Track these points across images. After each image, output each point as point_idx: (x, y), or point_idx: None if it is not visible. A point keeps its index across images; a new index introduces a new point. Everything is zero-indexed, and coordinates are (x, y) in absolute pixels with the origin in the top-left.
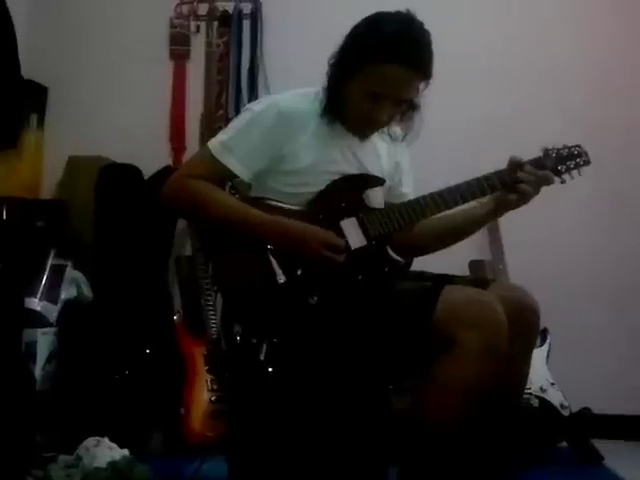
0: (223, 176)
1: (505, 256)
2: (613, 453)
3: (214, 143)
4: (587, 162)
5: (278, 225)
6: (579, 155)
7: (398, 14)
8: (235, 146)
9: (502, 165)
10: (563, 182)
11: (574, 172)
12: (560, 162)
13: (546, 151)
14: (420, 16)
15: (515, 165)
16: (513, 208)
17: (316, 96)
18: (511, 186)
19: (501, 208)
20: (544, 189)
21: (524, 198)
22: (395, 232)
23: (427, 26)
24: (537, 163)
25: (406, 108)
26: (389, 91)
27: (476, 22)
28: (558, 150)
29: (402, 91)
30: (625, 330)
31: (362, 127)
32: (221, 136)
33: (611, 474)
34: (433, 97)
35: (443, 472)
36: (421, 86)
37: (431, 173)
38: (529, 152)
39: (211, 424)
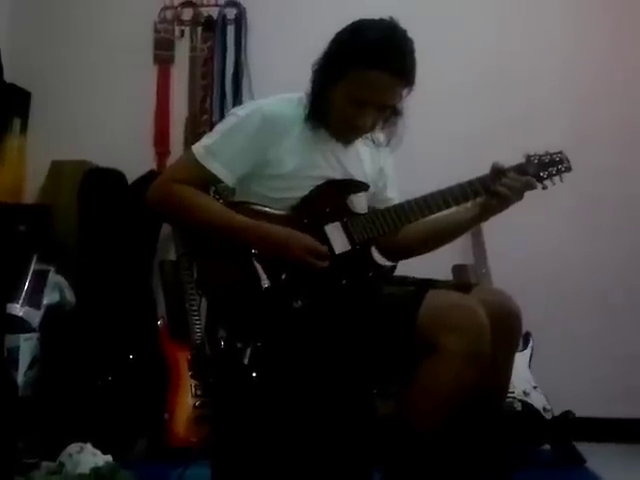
0: (207, 180)
1: (488, 260)
2: (595, 455)
3: (198, 147)
4: (568, 168)
5: (262, 230)
6: (561, 161)
7: (381, 21)
8: (219, 151)
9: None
10: (545, 188)
11: (556, 178)
12: (542, 168)
13: (528, 157)
14: (414, 22)
15: (498, 171)
16: (496, 213)
17: (300, 101)
18: (494, 192)
19: (484, 213)
20: (527, 194)
21: (505, 202)
22: (379, 237)
23: (421, 33)
24: (519, 169)
25: (389, 114)
26: (373, 97)
27: (471, 28)
28: (540, 156)
29: (386, 97)
30: (607, 333)
31: (346, 133)
32: (205, 140)
33: (593, 476)
34: (423, 105)
35: (427, 476)
36: (404, 92)
37: (421, 180)
38: (516, 158)
39: (195, 429)
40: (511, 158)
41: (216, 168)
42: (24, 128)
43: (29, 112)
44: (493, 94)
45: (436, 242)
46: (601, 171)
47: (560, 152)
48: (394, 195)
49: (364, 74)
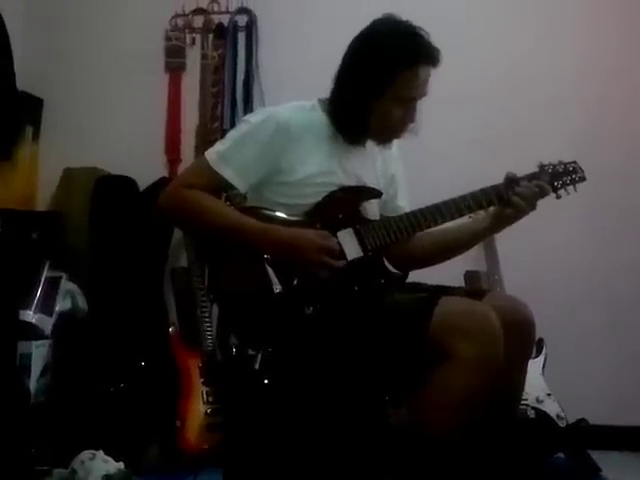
0: (219, 187)
1: (500, 267)
2: (610, 464)
3: (211, 153)
4: (582, 178)
5: (274, 233)
6: (575, 171)
7: (390, 20)
8: (232, 157)
9: (501, 181)
10: (559, 197)
11: (569, 188)
12: (556, 178)
13: (542, 167)
14: (427, 26)
15: (511, 180)
16: (510, 223)
17: (313, 108)
18: (507, 201)
19: (498, 224)
20: (541, 202)
21: (519, 212)
22: (392, 244)
23: (434, 37)
24: (533, 178)
25: None
26: (419, 92)
27: (477, 38)
28: (554, 166)
29: (426, 88)
30: (621, 341)
31: (392, 134)
32: (218, 146)
33: None
34: (433, 112)
35: None
36: None
37: (430, 188)
38: (528, 168)
39: (207, 436)
40: (523, 163)
41: (228, 174)
42: (36, 136)
43: (41, 120)
44: (505, 99)
45: (448, 253)
46: (613, 176)
47: (574, 162)
48: (404, 204)
49: (412, 72)
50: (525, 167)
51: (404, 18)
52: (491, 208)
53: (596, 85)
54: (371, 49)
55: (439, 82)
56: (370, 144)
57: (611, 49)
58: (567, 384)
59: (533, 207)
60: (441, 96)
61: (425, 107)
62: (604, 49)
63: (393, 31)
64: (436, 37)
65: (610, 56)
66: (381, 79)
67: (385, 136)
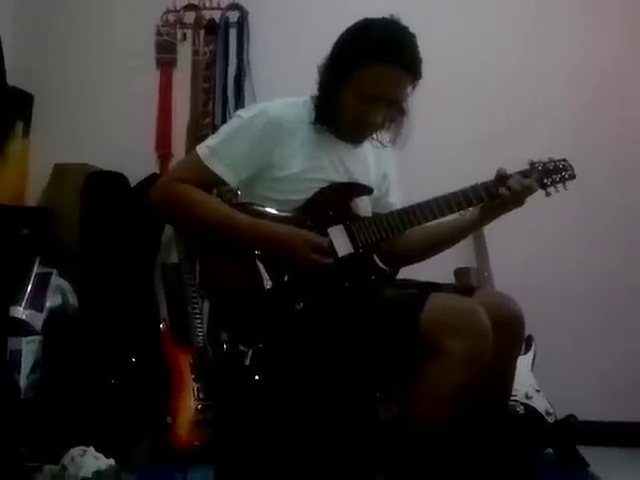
0: (210, 181)
1: (490, 263)
2: (599, 460)
3: (202, 148)
4: (572, 176)
5: (264, 228)
6: (565, 169)
7: (384, 19)
8: (223, 152)
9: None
10: (548, 195)
11: (559, 185)
12: (546, 175)
13: (532, 164)
14: (416, 28)
15: (502, 177)
16: (496, 216)
17: (305, 104)
18: (496, 194)
19: (484, 217)
20: (530, 199)
21: (505, 205)
22: (382, 240)
23: (423, 39)
24: (523, 175)
25: (395, 113)
26: (382, 92)
27: (472, 35)
28: (544, 163)
29: (395, 92)
30: (611, 338)
31: (356, 132)
32: (209, 141)
33: None
34: (426, 110)
35: (429, 478)
36: (409, 89)
37: (423, 186)
38: (520, 167)
39: (198, 432)
40: (515, 162)
41: (219, 169)
42: (27, 131)
43: (32, 115)
44: (498, 100)
45: (438, 247)
46: (604, 175)
47: (564, 159)
48: (395, 201)
49: (373, 69)
50: (518, 167)
51: (397, 19)
52: None
53: (589, 87)
54: (341, 41)
55: (433, 83)
56: (366, 143)
57: (604, 51)
58: (556, 380)
59: (520, 202)
60: (434, 97)
61: (418, 108)
62: (597, 51)
63: (367, 27)
64: (430, 39)
65: (603, 58)
66: (343, 67)
67: (353, 132)
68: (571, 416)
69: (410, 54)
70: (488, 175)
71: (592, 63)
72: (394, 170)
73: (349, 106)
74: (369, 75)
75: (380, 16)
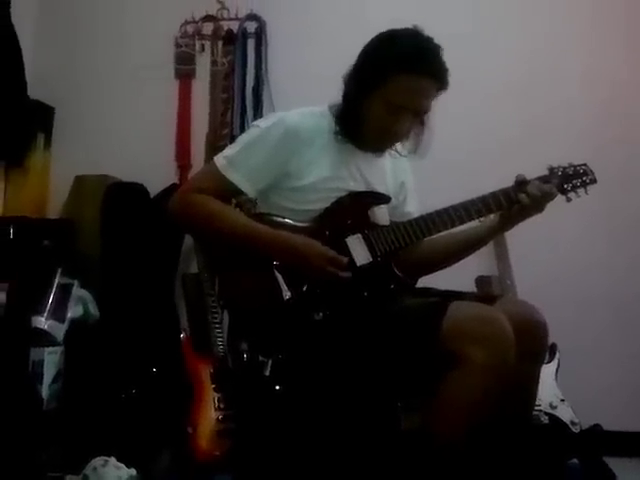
0: (228, 191)
1: (512, 271)
2: (625, 470)
3: (220, 158)
4: (593, 180)
5: (282, 239)
6: (585, 173)
7: (409, 29)
8: (241, 162)
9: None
10: (569, 200)
11: (580, 190)
12: (566, 180)
13: (552, 169)
14: (433, 36)
15: (521, 183)
16: (515, 223)
17: (322, 114)
18: (516, 204)
19: (504, 223)
20: (552, 205)
21: (525, 211)
22: (401, 249)
23: (443, 44)
24: (543, 181)
25: (417, 122)
26: (410, 102)
27: (487, 42)
28: (564, 169)
29: (423, 102)
30: (636, 345)
31: (380, 142)
32: (227, 151)
33: None
34: (442, 116)
35: None
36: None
37: (440, 193)
38: (536, 173)
39: (218, 442)
40: (531, 168)
41: (237, 179)
42: (48, 143)
43: (53, 128)
44: (512, 106)
45: (456, 255)
46: (625, 179)
47: (584, 164)
48: (413, 209)
49: (402, 79)
50: (533, 173)
51: (421, 29)
52: None
53: (603, 90)
54: (371, 49)
55: (449, 90)
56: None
57: (618, 55)
58: (581, 389)
59: (540, 208)
60: (451, 104)
61: (435, 115)
62: (610, 55)
63: (394, 37)
64: (442, 45)
65: (617, 62)
66: (371, 78)
67: (377, 141)
68: (597, 426)
69: (438, 64)
70: (505, 181)
71: (604, 67)
72: (411, 179)
73: (376, 116)
74: (398, 85)
75: (398, 26)
